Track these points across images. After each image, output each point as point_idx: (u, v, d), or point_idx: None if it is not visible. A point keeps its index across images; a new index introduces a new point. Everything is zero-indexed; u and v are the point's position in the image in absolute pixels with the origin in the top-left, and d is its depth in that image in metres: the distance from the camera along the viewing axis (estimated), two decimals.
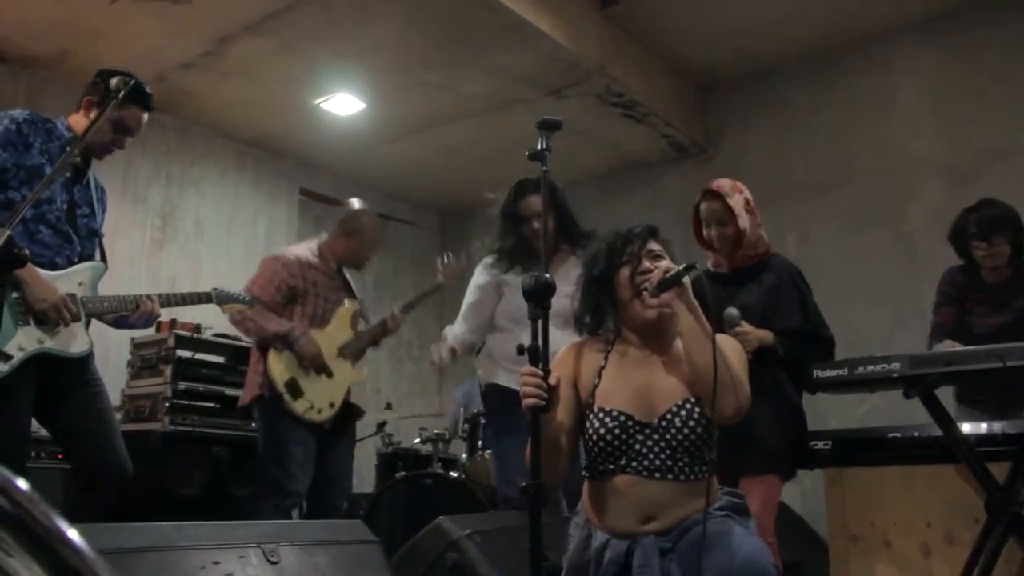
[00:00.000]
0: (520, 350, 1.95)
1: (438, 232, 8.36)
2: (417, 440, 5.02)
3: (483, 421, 4.69)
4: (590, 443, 2.16)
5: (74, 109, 3.19)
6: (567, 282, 2.50)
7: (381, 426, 5.37)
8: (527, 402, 1.95)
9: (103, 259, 3.29)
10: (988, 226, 3.58)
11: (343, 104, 6.13)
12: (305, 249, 4.01)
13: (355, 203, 4.21)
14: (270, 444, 3.73)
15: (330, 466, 3.86)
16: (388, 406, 5.65)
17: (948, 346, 3.63)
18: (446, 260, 4.22)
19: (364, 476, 6.19)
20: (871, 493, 3.31)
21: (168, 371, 5.01)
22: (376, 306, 7.41)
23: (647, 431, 2.12)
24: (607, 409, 2.15)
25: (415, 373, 7.91)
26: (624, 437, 2.11)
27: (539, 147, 2.13)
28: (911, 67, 5.71)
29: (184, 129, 6.41)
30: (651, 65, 6.04)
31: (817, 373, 3.14)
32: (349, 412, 3.98)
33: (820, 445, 3.41)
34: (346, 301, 4.03)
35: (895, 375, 2.98)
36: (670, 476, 2.09)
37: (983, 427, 3.19)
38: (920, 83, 5.67)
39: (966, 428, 3.15)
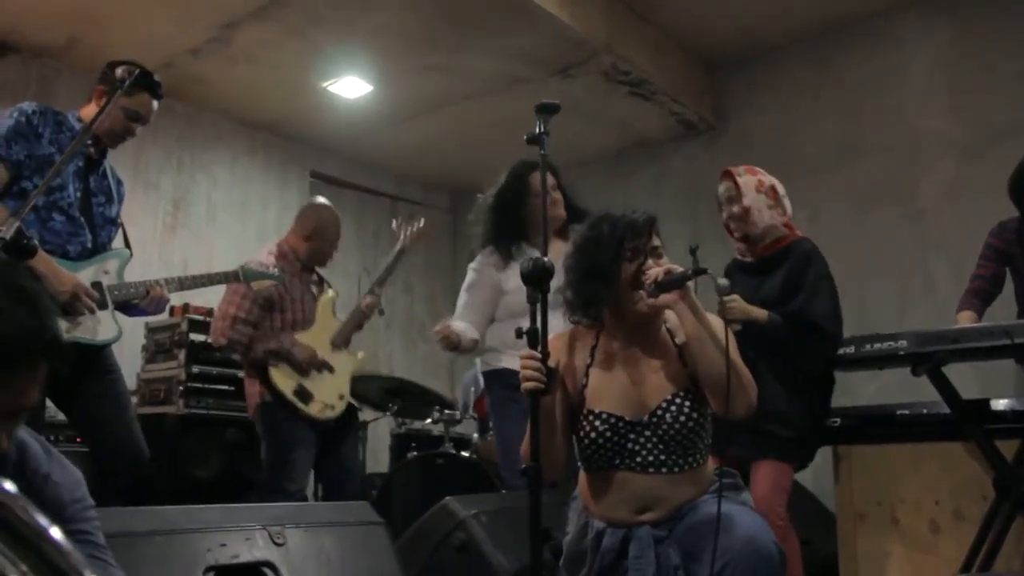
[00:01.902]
0: (519, 333, 1.96)
1: (448, 212, 8.36)
2: (428, 420, 5.05)
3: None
4: (584, 444, 2.17)
5: (85, 101, 3.22)
6: None
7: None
8: (527, 385, 1.97)
9: (127, 246, 3.32)
10: None
11: (351, 87, 6.14)
12: (265, 254, 3.96)
13: (316, 200, 4.25)
14: (274, 450, 3.81)
15: (342, 461, 3.96)
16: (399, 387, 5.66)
17: (968, 321, 3.60)
18: (399, 222, 4.22)
19: (379, 456, 6.24)
20: (880, 470, 3.33)
21: (182, 355, 5.06)
22: (388, 287, 7.42)
23: (639, 428, 2.13)
24: (597, 411, 2.15)
25: (428, 354, 7.94)
26: (616, 439, 2.12)
27: (537, 130, 2.12)
28: (921, 42, 5.65)
29: (194, 115, 6.43)
30: (659, 43, 6.01)
31: None
32: (350, 408, 4.05)
33: (830, 422, 3.42)
34: (322, 295, 4.09)
35: (902, 352, 2.99)
36: (664, 470, 2.11)
37: (992, 404, 3.19)
38: (930, 59, 5.61)
39: (1000, 403, 3.12)
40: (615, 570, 2.07)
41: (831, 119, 5.96)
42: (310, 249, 4.06)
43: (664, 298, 2.10)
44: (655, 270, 2.13)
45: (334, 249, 4.14)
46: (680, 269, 2.10)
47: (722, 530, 1.92)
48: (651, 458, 2.11)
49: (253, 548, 1.97)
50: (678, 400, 2.14)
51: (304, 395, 3.81)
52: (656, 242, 2.21)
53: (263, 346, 3.81)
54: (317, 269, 4.17)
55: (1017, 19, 5.28)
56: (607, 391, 2.18)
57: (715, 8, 5.71)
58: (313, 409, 3.80)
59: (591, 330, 2.28)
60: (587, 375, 2.22)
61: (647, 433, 2.12)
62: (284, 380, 3.80)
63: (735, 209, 3.24)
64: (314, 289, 4.08)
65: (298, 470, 3.75)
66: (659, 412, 2.13)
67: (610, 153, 6.94)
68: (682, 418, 2.11)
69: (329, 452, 3.91)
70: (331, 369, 3.92)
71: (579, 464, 2.24)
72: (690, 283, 2.09)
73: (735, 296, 2.97)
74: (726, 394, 2.03)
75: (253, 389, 3.90)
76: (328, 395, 3.88)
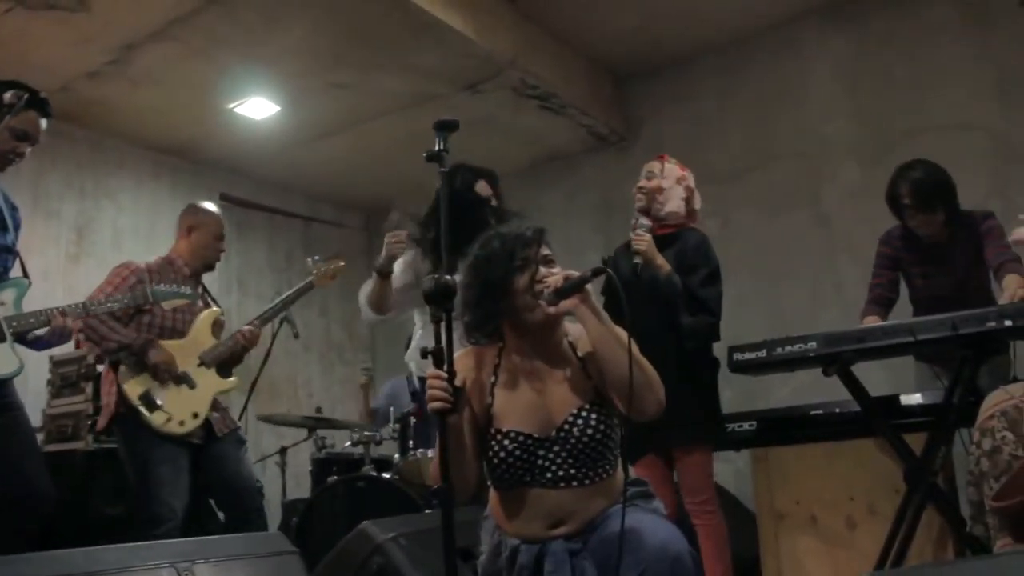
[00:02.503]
0: (424, 353, 1.94)
1: (364, 232, 8.29)
2: (348, 443, 4.97)
3: (414, 421, 4.65)
4: (493, 464, 2.17)
5: None
6: None
7: (312, 431, 5.32)
8: (434, 406, 1.95)
9: (24, 275, 3.18)
10: (923, 198, 3.52)
11: (257, 108, 6.05)
12: (155, 259, 3.81)
13: (193, 203, 4.06)
14: (135, 467, 3.52)
15: (225, 473, 3.68)
16: (318, 410, 5.59)
17: (871, 321, 3.69)
18: (316, 259, 4.09)
19: (300, 481, 6.13)
20: (796, 470, 3.39)
21: (89, 388, 4.90)
22: (304, 310, 7.35)
23: (547, 444, 2.13)
24: (504, 431, 2.15)
25: (347, 376, 7.84)
26: (525, 456, 2.12)
27: (436, 148, 2.10)
28: (821, 51, 5.80)
29: (96, 140, 6.25)
30: (566, 56, 6.06)
31: (736, 356, 3.20)
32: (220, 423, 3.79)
33: (746, 426, 3.47)
34: (206, 309, 3.86)
35: (811, 354, 3.07)
36: (575, 483, 2.12)
37: (902, 400, 3.27)
38: (831, 66, 5.76)
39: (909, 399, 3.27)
40: None
41: (738, 127, 6.08)
42: (193, 247, 3.83)
43: (564, 304, 2.11)
44: (554, 277, 2.14)
45: (218, 247, 3.89)
46: (578, 274, 2.11)
47: (635, 540, 1.93)
48: (561, 473, 2.11)
49: None
50: (584, 413, 2.14)
51: (149, 403, 3.51)
52: (546, 251, 2.23)
53: (117, 336, 3.51)
54: (205, 285, 3.97)
55: (913, 27, 5.46)
56: (513, 409, 2.18)
57: (622, 21, 5.77)
58: (156, 420, 3.50)
59: (494, 348, 2.28)
60: (492, 394, 2.21)
61: (556, 448, 2.12)
62: (132, 383, 3.52)
63: (650, 183, 3.51)
64: (197, 301, 3.83)
65: (166, 490, 3.44)
66: (566, 427, 2.13)
67: (523, 167, 6.95)
68: (589, 430, 2.12)
69: (207, 468, 3.65)
70: (191, 384, 3.63)
71: (489, 483, 2.23)
72: (589, 286, 2.11)
73: (649, 237, 3.32)
74: (632, 392, 2.03)
75: (109, 396, 3.63)
76: (179, 409, 3.57)
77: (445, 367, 1.96)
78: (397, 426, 4.80)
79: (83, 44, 5.08)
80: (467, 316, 2.24)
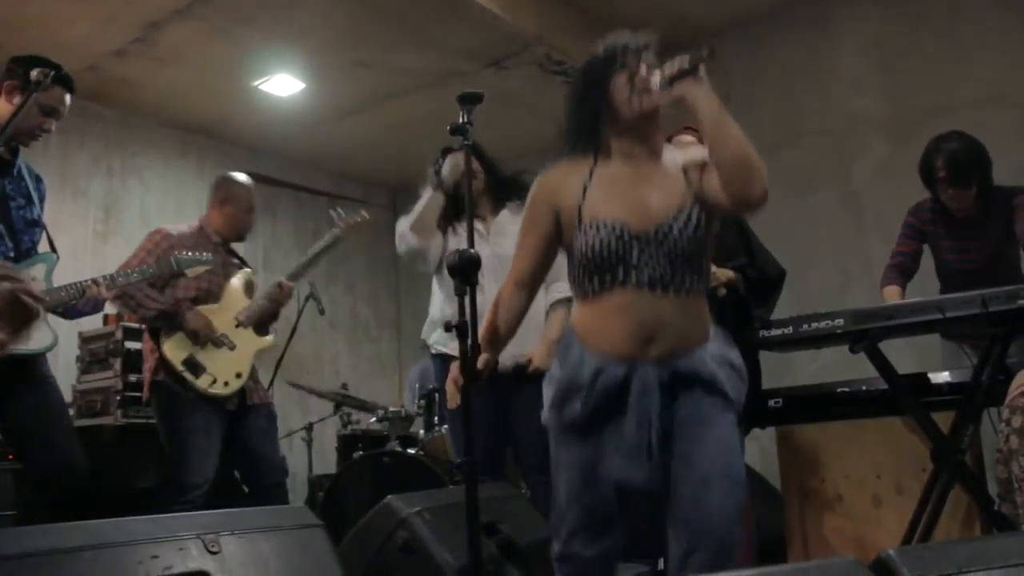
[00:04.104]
0: (448, 327, 1.94)
1: (389, 209, 8.29)
2: (373, 420, 5.00)
3: (438, 396, 4.66)
4: (583, 260, 2.05)
5: None
6: (507, 231, 2.80)
7: (338, 407, 5.35)
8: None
9: (52, 249, 3.21)
10: (958, 172, 3.45)
11: (282, 85, 6.06)
12: (185, 226, 3.88)
13: (225, 173, 4.10)
14: (169, 433, 3.60)
15: (252, 444, 3.74)
16: (344, 387, 5.63)
17: (895, 296, 3.67)
18: (340, 212, 4.06)
19: (326, 458, 6.19)
20: (822, 448, 3.37)
21: (118, 364, 4.97)
22: (331, 287, 7.40)
23: (643, 241, 2.01)
24: (600, 219, 2.04)
25: (373, 354, 7.88)
26: (620, 249, 2.01)
27: (460, 120, 2.09)
28: (850, 26, 5.71)
29: (123, 119, 6.29)
30: (592, 32, 5.93)
31: (763, 333, 3.18)
32: (256, 392, 3.85)
33: (772, 403, 3.45)
34: (238, 272, 3.92)
35: (839, 331, 3.04)
36: (672, 290, 2.00)
37: (931, 378, 3.24)
38: (859, 41, 5.67)
39: (937, 377, 3.22)
40: (615, 409, 1.99)
41: (766, 104, 6.00)
42: (225, 218, 3.89)
43: (679, 88, 2.00)
44: (665, 66, 2.02)
45: (250, 217, 3.96)
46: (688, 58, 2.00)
47: (691, 448, 1.95)
48: (658, 274, 2.00)
49: (187, 558, 1.91)
50: (685, 213, 2.04)
51: (194, 367, 3.59)
52: (651, 57, 2.12)
53: (155, 304, 3.58)
54: (235, 249, 4.01)
55: (943, 1, 5.36)
56: (610, 203, 2.07)
57: None
58: (202, 383, 3.58)
59: (588, 157, 2.17)
60: (584, 194, 2.10)
61: (652, 248, 2.01)
62: (174, 350, 3.59)
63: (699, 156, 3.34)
64: (229, 266, 3.90)
65: (198, 457, 3.53)
66: (665, 227, 2.02)
67: (549, 144, 6.86)
68: (689, 232, 2.02)
69: (236, 438, 3.72)
70: (231, 346, 3.71)
71: (575, 295, 2.14)
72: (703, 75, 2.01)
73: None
74: (741, 168, 1.95)
75: (147, 364, 3.71)
76: (222, 371, 3.66)
77: (468, 342, 1.96)
78: (422, 402, 4.82)
79: (108, 23, 5.11)
80: (566, 123, 2.19)
